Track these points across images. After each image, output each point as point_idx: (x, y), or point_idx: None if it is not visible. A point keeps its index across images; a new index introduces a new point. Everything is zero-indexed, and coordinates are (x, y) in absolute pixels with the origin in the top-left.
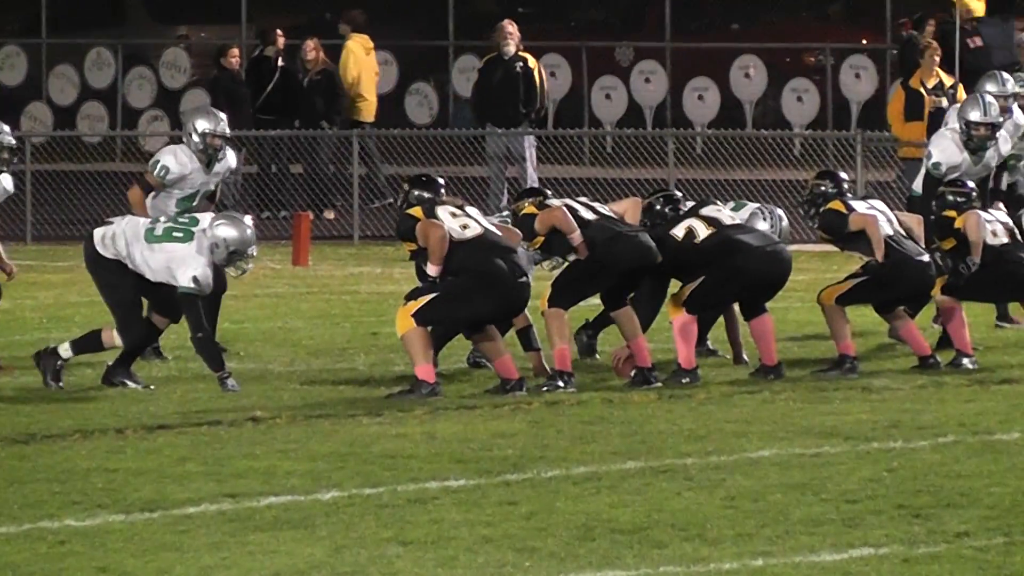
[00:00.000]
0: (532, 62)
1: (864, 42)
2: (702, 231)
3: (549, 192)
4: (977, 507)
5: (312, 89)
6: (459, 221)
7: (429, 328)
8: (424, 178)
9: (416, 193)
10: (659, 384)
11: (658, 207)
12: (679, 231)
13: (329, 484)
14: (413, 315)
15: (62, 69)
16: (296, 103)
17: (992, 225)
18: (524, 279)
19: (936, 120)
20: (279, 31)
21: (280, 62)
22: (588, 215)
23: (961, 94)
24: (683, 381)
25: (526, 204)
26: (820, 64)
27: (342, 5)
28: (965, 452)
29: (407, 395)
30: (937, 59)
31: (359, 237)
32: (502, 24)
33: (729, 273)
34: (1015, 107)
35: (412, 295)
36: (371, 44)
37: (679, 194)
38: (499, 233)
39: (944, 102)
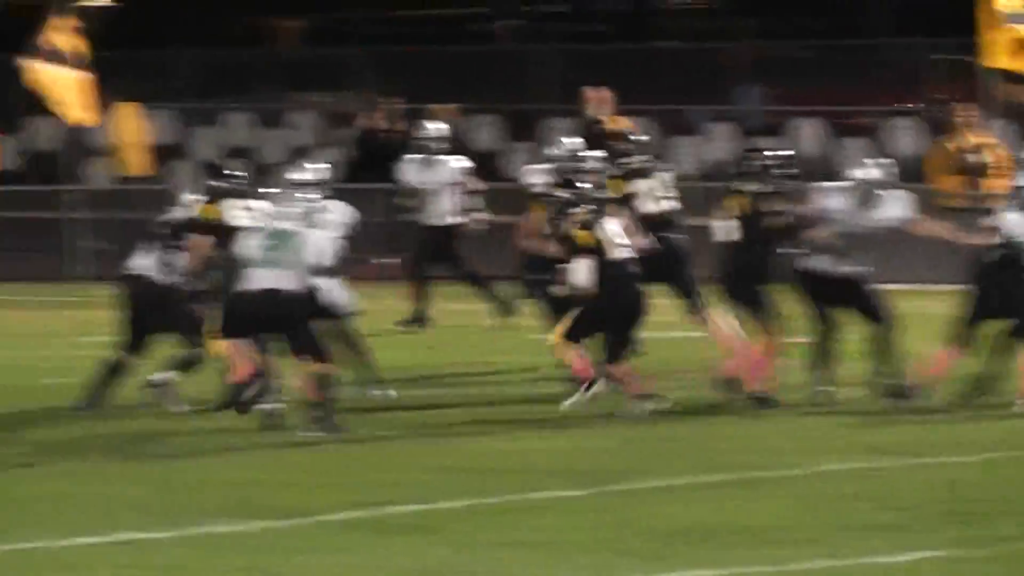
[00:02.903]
0: (625, 123)
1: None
2: None
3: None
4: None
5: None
6: None
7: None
8: None
9: None
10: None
11: None
12: None
13: (450, 493)
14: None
15: (204, 132)
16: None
17: None
18: None
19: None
20: (397, 100)
21: (399, 124)
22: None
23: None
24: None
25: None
26: None
27: (455, 73)
28: (1013, 465)
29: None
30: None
31: None
32: (588, 90)
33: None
34: None
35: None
36: (137, 109)
37: None
38: None
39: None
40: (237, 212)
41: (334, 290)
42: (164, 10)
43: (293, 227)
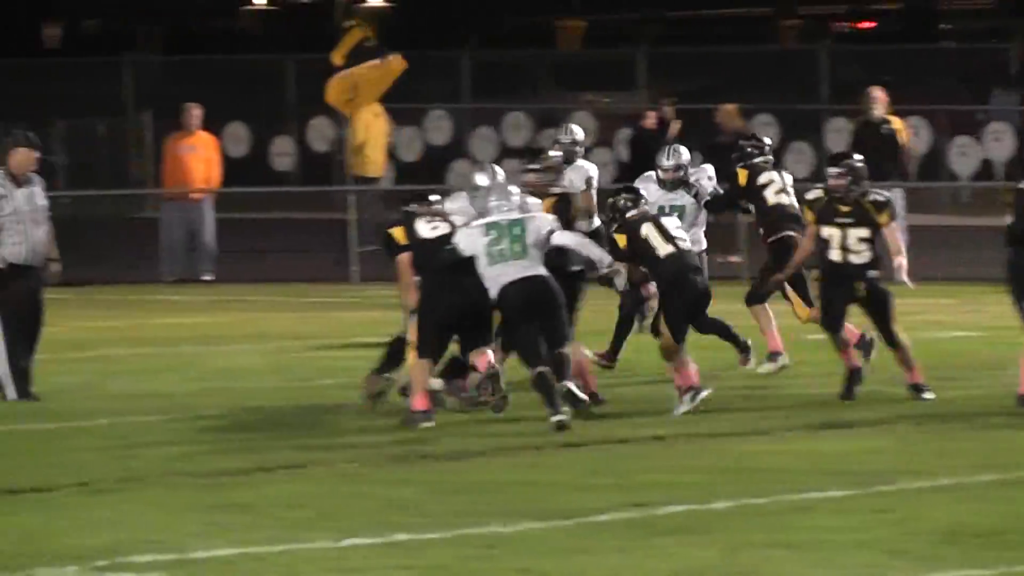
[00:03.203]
0: (897, 123)
1: None
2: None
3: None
4: None
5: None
6: None
7: None
8: None
9: None
10: None
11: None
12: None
13: (722, 494)
14: None
15: (483, 131)
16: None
17: None
18: None
19: None
20: (668, 100)
21: (675, 124)
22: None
23: None
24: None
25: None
26: None
27: (730, 72)
28: None
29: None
30: None
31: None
32: (869, 90)
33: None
34: None
35: None
36: (379, 108)
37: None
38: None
39: None
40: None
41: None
42: (446, 11)
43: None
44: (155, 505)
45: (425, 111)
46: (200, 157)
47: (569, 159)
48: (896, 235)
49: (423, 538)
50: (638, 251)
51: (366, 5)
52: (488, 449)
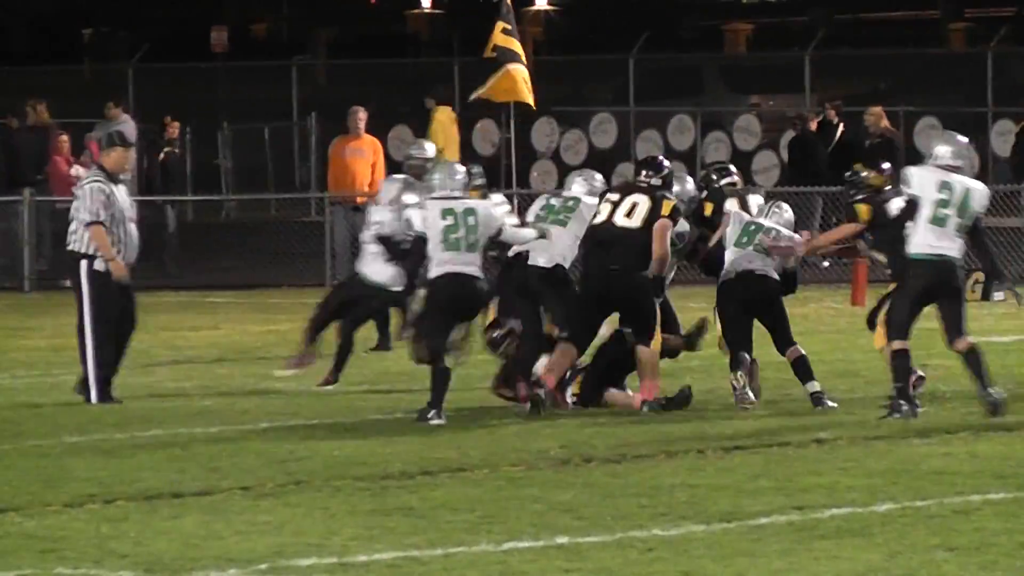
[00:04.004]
0: None
1: None
2: None
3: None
4: None
5: (872, 151)
6: None
7: None
8: None
9: None
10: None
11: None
12: None
13: (884, 497)
14: None
15: (648, 133)
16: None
17: None
18: None
19: None
20: (833, 103)
21: (841, 127)
22: None
23: None
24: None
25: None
26: None
27: (895, 75)
28: None
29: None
30: None
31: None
32: None
33: None
34: None
35: None
36: (454, 115)
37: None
38: None
39: None
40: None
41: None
42: (613, 15)
43: None
44: (317, 509)
45: (591, 114)
46: (366, 160)
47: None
48: None
49: (584, 541)
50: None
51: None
52: (650, 452)
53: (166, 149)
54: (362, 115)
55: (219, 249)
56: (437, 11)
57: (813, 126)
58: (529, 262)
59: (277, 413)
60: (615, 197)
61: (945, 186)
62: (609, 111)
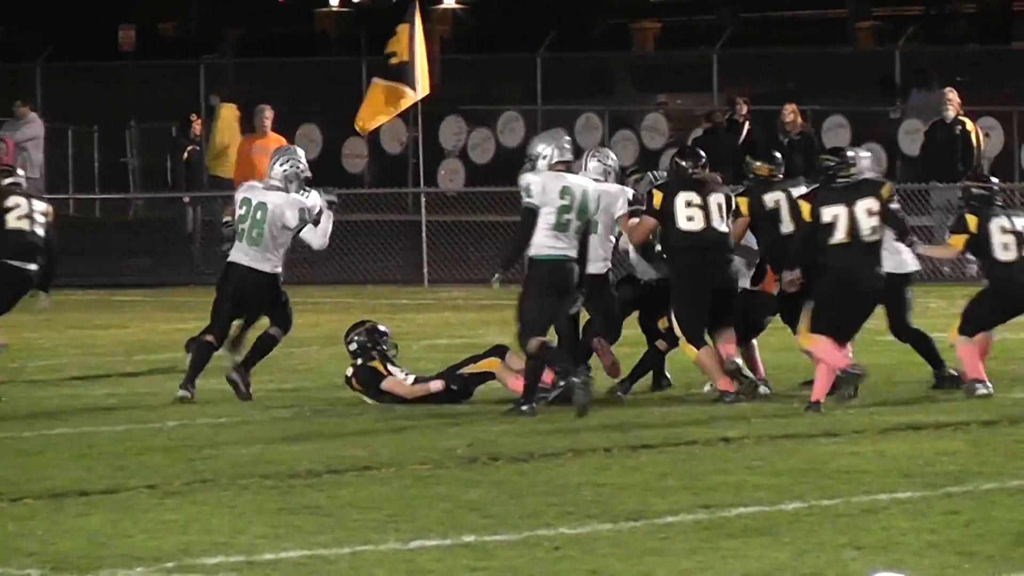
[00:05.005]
0: (969, 125)
1: None
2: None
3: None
4: None
5: (792, 148)
6: None
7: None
8: None
9: None
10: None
11: None
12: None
13: (792, 496)
14: None
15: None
16: None
17: None
18: None
19: None
20: (743, 99)
21: (747, 126)
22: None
23: None
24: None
25: None
26: None
27: (803, 74)
28: None
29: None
30: None
31: None
32: (944, 91)
33: None
34: None
35: None
36: (238, 112)
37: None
38: None
39: None
40: None
41: None
42: (520, 14)
43: None
44: (224, 507)
45: (498, 113)
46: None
47: None
48: None
49: (492, 540)
50: None
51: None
52: (557, 450)
53: (189, 148)
54: (268, 114)
55: (127, 248)
56: (346, 9)
57: (722, 124)
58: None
59: (184, 411)
60: (697, 200)
61: None
62: (517, 110)
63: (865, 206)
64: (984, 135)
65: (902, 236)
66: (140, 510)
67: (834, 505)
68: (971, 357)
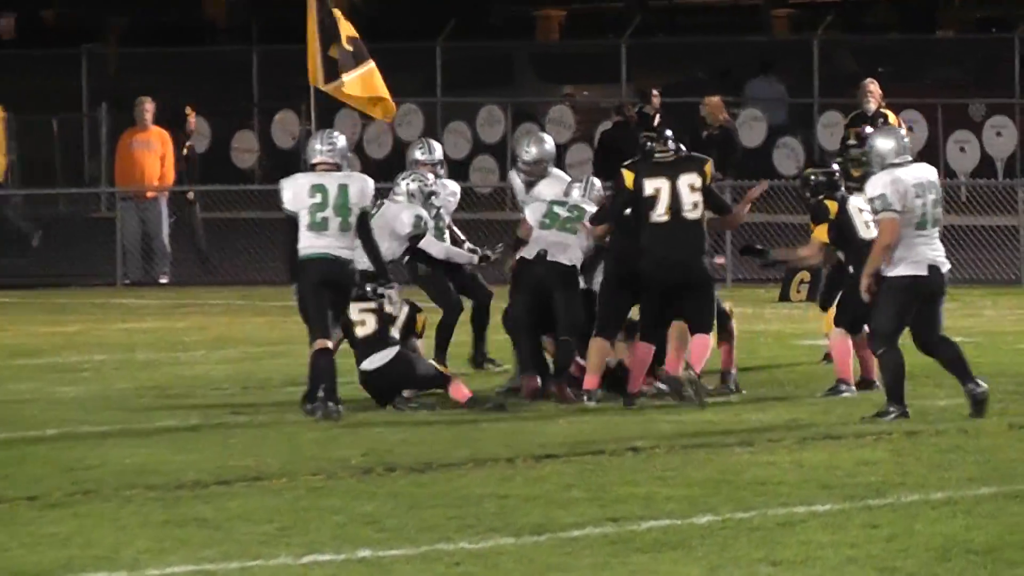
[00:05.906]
0: (892, 118)
1: None
2: None
3: None
4: None
5: (709, 142)
6: None
7: None
8: None
9: None
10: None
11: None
12: None
13: (704, 508)
14: None
15: (455, 125)
16: None
17: None
18: None
19: None
20: (656, 91)
21: (658, 118)
22: None
23: None
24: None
25: None
26: None
27: (715, 64)
28: None
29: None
30: None
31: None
32: (864, 83)
33: None
34: None
35: None
36: (4, 113)
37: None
38: None
39: None
40: None
41: None
42: (419, 1)
43: None
44: (107, 519)
45: (395, 105)
46: (154, 153)
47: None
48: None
49: (388, 555)
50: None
51: None
52: (457, 460)
53: (188, 143)
54: (148, 106)
55: (3, 247)
56: None
57: (633, 118)
58: (549, 258)
59: (65, 419)
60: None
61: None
62: (415, 102)
63: (687, 181)
64: (907, 128)
65: (722, 211)
66: (19, 523)
67: (749, 518)
68: (843, 354)
